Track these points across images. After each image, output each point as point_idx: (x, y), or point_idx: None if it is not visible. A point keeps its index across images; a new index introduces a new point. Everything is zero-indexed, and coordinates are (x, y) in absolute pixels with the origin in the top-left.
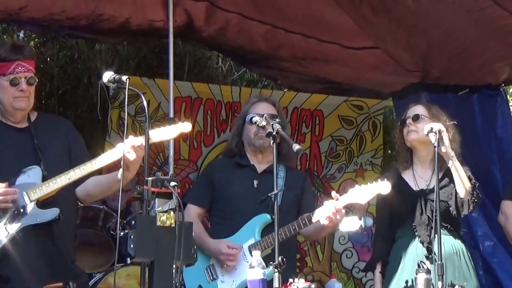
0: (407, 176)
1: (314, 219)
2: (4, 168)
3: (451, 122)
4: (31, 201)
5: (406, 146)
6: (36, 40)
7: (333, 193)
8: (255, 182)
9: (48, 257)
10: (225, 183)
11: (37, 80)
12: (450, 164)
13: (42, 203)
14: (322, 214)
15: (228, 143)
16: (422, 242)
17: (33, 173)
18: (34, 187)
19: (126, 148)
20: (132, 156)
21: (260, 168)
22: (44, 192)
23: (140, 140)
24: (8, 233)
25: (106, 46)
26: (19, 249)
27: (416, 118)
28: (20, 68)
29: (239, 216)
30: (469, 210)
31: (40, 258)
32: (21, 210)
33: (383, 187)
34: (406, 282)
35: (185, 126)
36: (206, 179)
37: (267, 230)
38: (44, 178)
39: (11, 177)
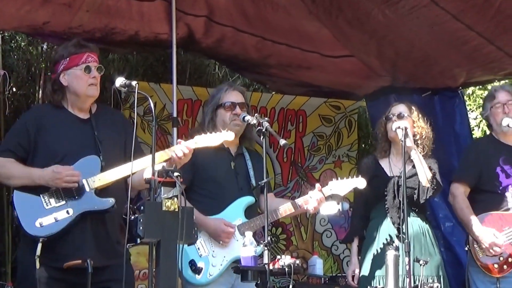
0: (383, 163)
1: (300, 204)
2: (67, 155)
3: (428, 123)
4: (90, 189)
5: (387, 138)
6: None
7: (317, 185)
8: (232, 164)
9: (98, 237)
10: (207, 165)
11: (104, 69)
12: (413, 156)
13: (99, 191)
14: (307, 203)
15: (201, 127)
16: (393, 223)
17: (93, 162)
18: (94, 176)
19: (178, 152)
20: (181, 159)
21: (233, 151)
22: (102, 182)
23: (186, 144)
24: (69, 215)
25: (118, 56)
26: (75, 230)
27: (400, 116)
28: (90, 58)
29: (223, 195)
30: (430, 196)
31: (92, 238)
32: (81, 196)
33: (360, 182)
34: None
35: (229, 135)
36: (189, 161)
37: (248, 210)
38: (102, 168)
39: (72, 164)
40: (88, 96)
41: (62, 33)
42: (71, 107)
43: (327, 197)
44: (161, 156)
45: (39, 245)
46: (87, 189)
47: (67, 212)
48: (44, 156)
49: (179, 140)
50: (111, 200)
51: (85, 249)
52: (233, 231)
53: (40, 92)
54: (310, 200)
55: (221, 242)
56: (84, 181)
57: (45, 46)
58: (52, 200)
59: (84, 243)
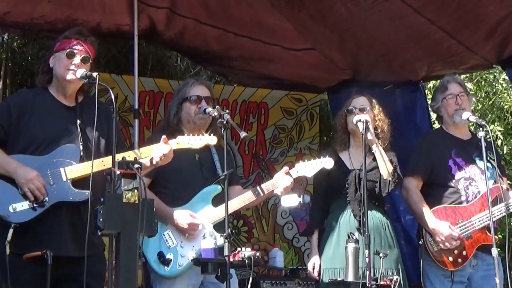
0: (343, 156)
1: (266, 189)
2: (47, 140)
3: (387, 118)
4: (67, 179)
5: (347, 130)
6: (19, 41)
7: (285, 168)
8: (197, 156)
9: (73, 227)
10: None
11: (91, 61)
12: (374, 149)
13: (76, 182)
14: (274, 185)
15: (167, 121)
16: (355, 216)
17: (72, 151)
18: (72, 166)
19: (156, 157)
20: (161, 162)
21: None
22: (80, 174)
23: (168, 147)
24: (44, 203)
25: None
26: (50, 218)
27: (362, 109)
28: (79, 46)
29: (187, 185)
30: (391, 189)
31: (67, 228)
32: (57, 185)
33: (327, 162)
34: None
35: (211, 139)
36: None
37: (217, 199)
38: (81, 158)
39: (52, 150)
40: (65, 80)
41: (23, 23)
42: (56, 92)
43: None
44: (147, 151)
45: (11, 231)
46: (64, 178)
47: (43, 200)
48: (24, 141)
49: (164, 136)
50: (87, 193)
51: (59, 239)
52: (198, 223)
53: (1, 82)
54: (277, 183)
55: (187, 234)
56: (61, 170)
57: (6, 36)
58: None
59: (60, 233)
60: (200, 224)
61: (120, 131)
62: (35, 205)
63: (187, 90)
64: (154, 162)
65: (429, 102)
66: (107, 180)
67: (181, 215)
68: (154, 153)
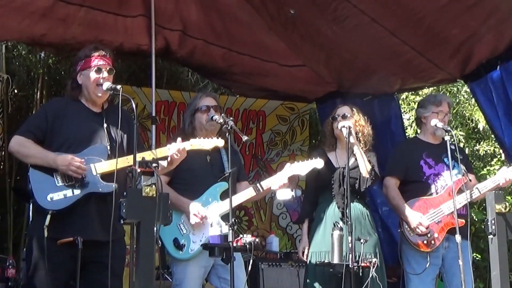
0: (331, 156)
1: (265, 186)
2: (78, 141)
3: (368, 122)
4: (96, 174)
5: (333, 134)
6: (53, 58)
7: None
8: (208, 158)
9: (100, 215)
10: (186, 158)
11: (114, 71)
12: (355, 151)
13: (104, 175)
14: (272, 183)
15: (182, 131)
16: (338, 207)
17: (101, 150)
18: (101, 162)
19: (173, 150)
20: (177, 156)
21: None
22: (107, 169)
23: (184, 145)
24: (77, 194)
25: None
26: (81, 207)
27: (344, 116)
28: (102, 61)
29: (200, 183)
30: (369, 185)
31: (96, 216)
32: (88, 179)
33: (318, 163)
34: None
35: (219, 142)
36: None
37: (224, 194)
38: (108, 156)
39: (83, 149)
40: (96, 96)
41: (57, 43)
42: (86, 101)
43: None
44: (162, 151)
45: (48, 217)
46: (94, 173)
47: (75, 191)
48: (59, 141)
49: (179, 138)
50: (113, 185)
51: (88, 225)
52: (201, 217)
53: (38, 93)
54: (277, 179)
55: (195, 222)
56: (92, 165)
57: (42, 54)
58: (63, 179)
59: (89, 220)
60: (206, 216)
61: (140, 135)
62: (74, 188)
63: (197, 102)
64: (169, 157)
65: (402, 110)
66: (128, 175)
67: (191, 207)
68: (171, 148)
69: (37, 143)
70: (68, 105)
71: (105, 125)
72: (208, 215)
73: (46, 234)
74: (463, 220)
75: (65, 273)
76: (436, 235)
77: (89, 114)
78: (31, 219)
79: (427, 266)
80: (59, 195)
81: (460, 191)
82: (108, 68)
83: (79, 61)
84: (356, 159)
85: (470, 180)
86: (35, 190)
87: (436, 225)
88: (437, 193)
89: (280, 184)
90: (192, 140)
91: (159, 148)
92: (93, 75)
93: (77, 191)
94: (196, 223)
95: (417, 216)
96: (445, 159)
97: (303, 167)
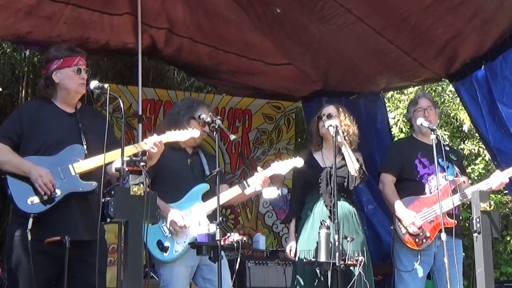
0: (317, 156)
1: (250, 183)
2: (55, 143)
3: (354, 121)
4: (75, 173)
5: (319, 134)
6: (39, 56)
7: (259, 168)
8: (189, 160)
9: (83, 215)
10: (167, 161)
11: (90, 72)
12: (343, 150)
13: (83, 175)
14: (255, 182)
15: (169, 124)
16: (326, 206)
17: (77, 150)
18: (78, 162)
19: (150, 144)
20: (154, 150)
21: (189, 151)
22: (86, 168)
23: (160, 138)
24: (57, 195)
25: (91, 61)
26: (63, 208)
27: (329, 116)
28: (81, 62)
29: (181, 185)
30: (357, 183)
31: (78, 215)
32: (68, 179)
33: (297, 161)
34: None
35: (194, 132)
36: None
37: (205, 196)
38: (85, 156)
39: (59, 151)
40: (77, 93)
41: (43, 41)
42: (60, 102)
43: (270, 181)
44: (130, 149)
45: (30, 220)
46: (73, 173)
47: (56, 192)
48: (35, 143)
49: (155, 134)
50: (94, 183)
51: (72, 225)
52: (180, 226)
53: (23, 91)
54: (256, 180)
55: (171, 228)
56: (70, 166)
57: (27, 52)
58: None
59: (72, 220)
60: (185, 225)
61: (113, 130)
62: (44, 199)
63: (197, 109)
64: (146, 152)
65: (388, 109)
66: (106, 172)
67: (172, 215)
68: (147, 142)
69: (13, 148)
70: (41, 108)
71: (80, 125)
72: (187, 223)
73: (29, 237)
74: (455, 221)
75: (48, 274)
76: (428, 234)
77: (63, 115)
78: (10, 219)
79: (417, 263)
80: (39, 198)
81: (454, 191)
82: (86, 69)
83: (55, 60)
84: (342, 158)
85: (463, 182)
86: (14, 195)
87: (429, 224)
88: (430, 193)
89: (260, 183)
90: (168, 132)
91: (136, 144)
92: (74, 74)
93: (57, 192)
94: (175, 231)
95: (411, 215)
96: (440, 159)
97: (283, 166)
